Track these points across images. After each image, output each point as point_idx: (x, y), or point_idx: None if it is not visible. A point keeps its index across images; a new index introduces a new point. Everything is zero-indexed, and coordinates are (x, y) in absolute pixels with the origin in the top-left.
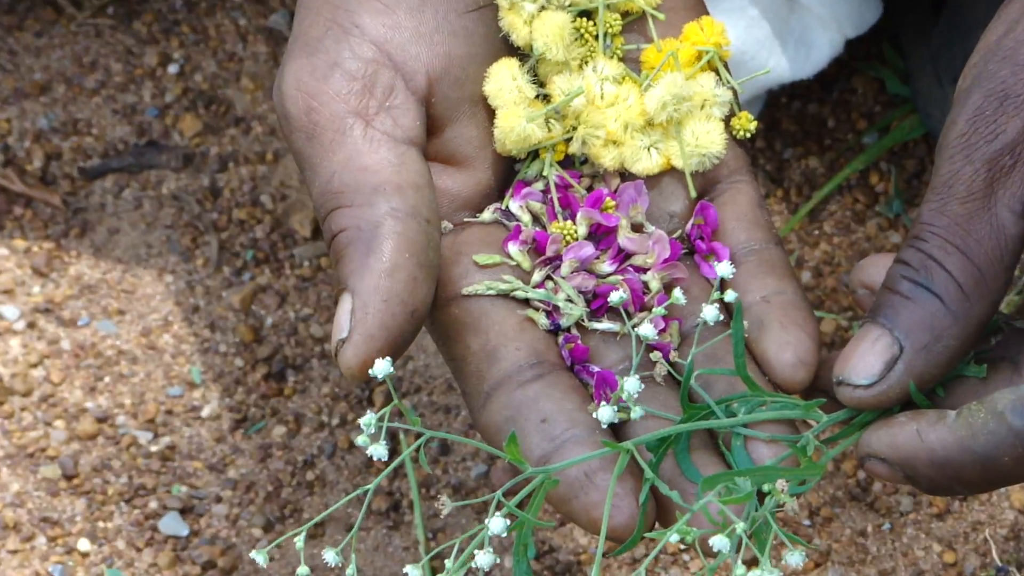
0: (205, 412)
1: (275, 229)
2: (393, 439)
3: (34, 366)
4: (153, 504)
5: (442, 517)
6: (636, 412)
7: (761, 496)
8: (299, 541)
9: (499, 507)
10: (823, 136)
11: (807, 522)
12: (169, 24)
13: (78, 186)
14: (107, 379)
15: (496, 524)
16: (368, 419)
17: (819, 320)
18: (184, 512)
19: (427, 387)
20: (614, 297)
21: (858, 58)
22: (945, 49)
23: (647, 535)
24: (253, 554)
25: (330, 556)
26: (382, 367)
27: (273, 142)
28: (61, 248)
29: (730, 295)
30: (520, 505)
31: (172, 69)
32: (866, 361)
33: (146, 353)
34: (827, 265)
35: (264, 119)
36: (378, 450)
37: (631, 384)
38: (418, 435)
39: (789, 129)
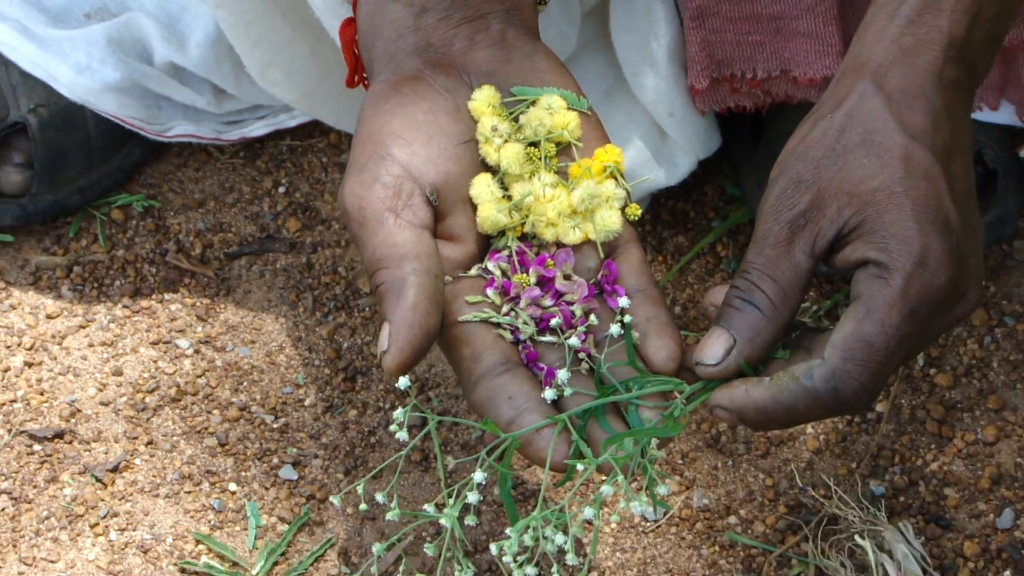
0: (307, 402)
1: (348, 288)
2: (424, 419)
3: (199, 376)
4: (275, 460)
5: (452, 464)
6: (567, 392)
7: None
8: (360, 486)
9: (489, 454)
10: (687, 222)
11: (680, 461)
12: (279, 161)
13: (224, 264)
14: (245, 383)
15: (478, 475)
16: (398, 413)
17: (684, 337)
18: (295, 465)
19: (444, 383)
20: (553, 322)
21: (707, 171)
22: (763, 164)
23: (576, 467)
24: (332, 499)
25: (379, 497)
26: (403, 381)
27: (346, 235)
28: (214, 303)
29: (627, 318)
30: (501, 454)
31: (281, 190)
32: (713, 350)
33: (269, 367)
34: (691, 303)
35: (340, 221)
36: (402, 435)
37: (563, 375)
38: (441, 413)
39: (665, 218)
